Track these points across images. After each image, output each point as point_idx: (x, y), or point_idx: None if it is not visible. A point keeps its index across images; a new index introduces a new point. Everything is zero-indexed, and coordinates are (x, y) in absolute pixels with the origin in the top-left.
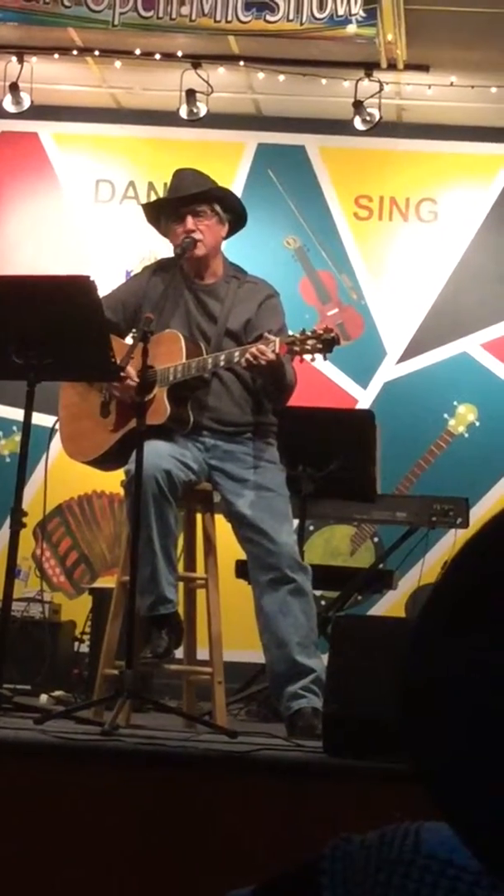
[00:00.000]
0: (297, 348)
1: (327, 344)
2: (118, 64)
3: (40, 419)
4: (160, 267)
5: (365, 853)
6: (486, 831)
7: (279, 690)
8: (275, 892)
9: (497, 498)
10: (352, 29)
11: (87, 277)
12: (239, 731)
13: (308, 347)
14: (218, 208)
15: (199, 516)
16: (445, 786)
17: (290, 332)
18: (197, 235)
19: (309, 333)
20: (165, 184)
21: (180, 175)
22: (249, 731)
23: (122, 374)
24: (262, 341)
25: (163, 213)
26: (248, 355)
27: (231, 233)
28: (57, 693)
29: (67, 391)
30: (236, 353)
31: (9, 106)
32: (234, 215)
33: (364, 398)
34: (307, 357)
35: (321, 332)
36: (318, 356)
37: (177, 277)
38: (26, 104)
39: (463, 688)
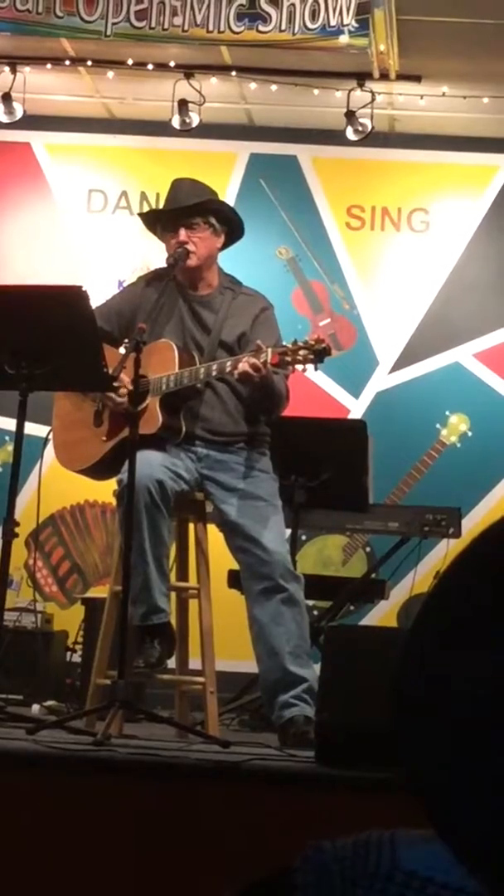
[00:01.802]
0: (288, 359)
1: (318, 354)
2: (111, 74)
3: (33, 429)
4: (155, 277)
5: (339, 865)
6: (479, 844)
7: (271, 699)
8: None
9: (489, 508)
10: (344, 39)
11: (80, 287)
12: (231, 740)
13: (299, 358)
14: (213, 220)
15: (191, 526)
16: (438, 797)
17: (283, 343)
18: (189, 247)
19: (300, 344)
20: (158, 194)
21: (177, 185)
22: (242, 741)
23: (115, 383)
24: (253, 351)
25: (158, 222)
26: (241, 371)
27: (228, 244)
28: (49, 703)
29: (61, 400)
30: (228, 364)
31: (1, 116)
32: (231, 226)
33: (356, 408)
34: (298, 367)
35: (312, 342)
36: (310, 366)
37: (171, 287)
38: (19, 114)
39: (457, 699)
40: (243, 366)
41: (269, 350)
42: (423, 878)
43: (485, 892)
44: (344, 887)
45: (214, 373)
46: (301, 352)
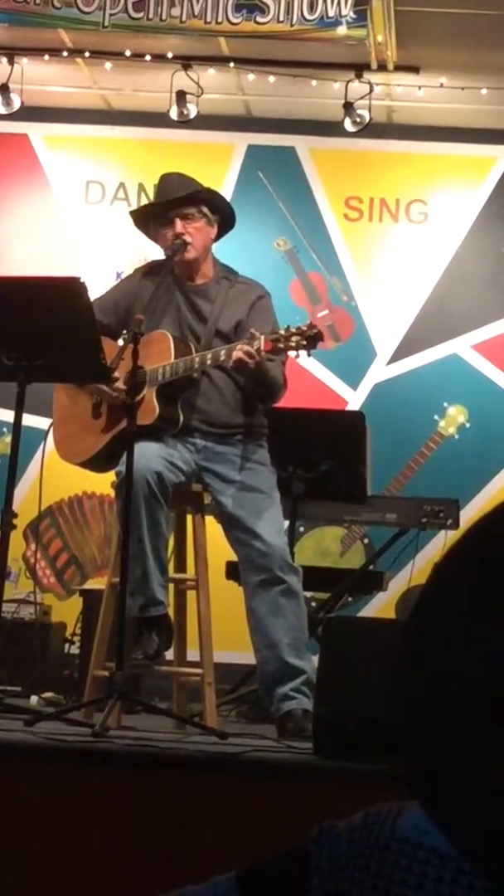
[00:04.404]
0: (281, 345)
1: (311, 340)
2: (108, 65)
3: (31, 420)
4: (151, 269)
5: (348, 837)
6: (476, 835)
7: (270, 691)
8: (262, 875)
9: (488, 499)
10: (342, 30)
11: (78, 279)
12: (229, 732)
13: (292, 344)
14: (206, 210)
15: (189, 518)
16: (433, 789)
17: (275, 329)
18: (187, 238)
19: (293, 330)
20: (156, 185)
21: (166, 179)
22: (240, 733)
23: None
24: (246, 338)
25: (151, 218)
26: (236, 360)
27: (221, 234)
28: (47, 695)
29: (59, 394)
30: (222, 352)
31: None
32: (223, 216)
33: (354, 399)
34: (291, 353)
35: (305, 328)
36: (303, 352)
37: (167, 279)
38: (16, 105)
39: (455, 690)
40: (237, 353)
41: (262, 337)
42: (413, 844)
43: (482, 878)
44: (349, 856)
45: (209, 362)
46: (294, 338)
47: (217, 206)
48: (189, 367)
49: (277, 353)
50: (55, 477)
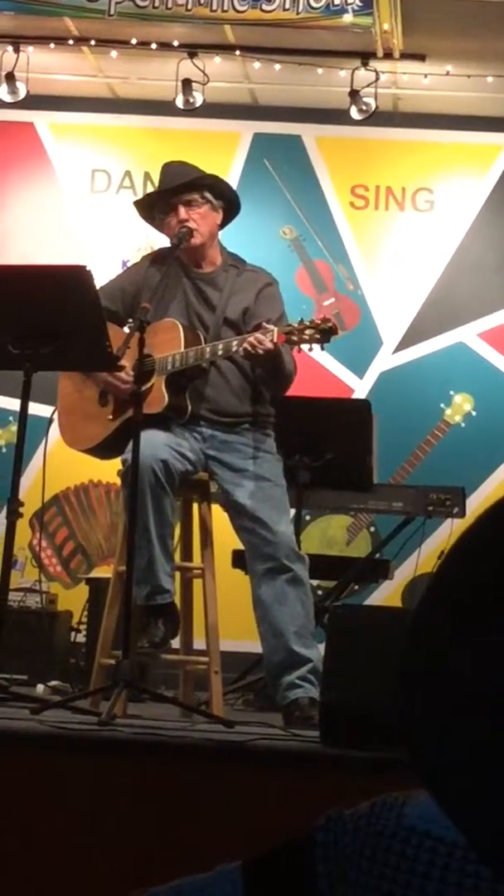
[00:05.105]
0: (294, 338)
1: (325, 334)
2: (114, 53)
3: (37, 409)
4: (158, 256)
5: (354, 825)
6: (485, 824)
7: (276, 680)
8: (268, 863)
9: (494, 487)
10: (348, 18)
11: (84, 267)
12: (236, 720)
13: (306, 337)
14: (209, 196)
15: (195, 506)
16: (443, 778)
17: (289, 322)
18: (192, 225)
19: (307, 323)
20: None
21: (168, 168)
22: (246, 721)
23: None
24: (259, 330)
25: (155, 207)
26: (245, 345)
27: (227, 220)
28: (54, 683)
29: (65, 381)
30: (234, 343)
31: (5, 96)
32: (227, 202)
33: (360, 388)
34: (304, 347)
35: (319, 321)
36: (316, 346)
37: (175, 266)
38: (22, 94)
39: (461, 678)
40: (248, 346)
41: (276, 330)
42: (420, 832)
43: (489, 867)
44: (356, 845)
45: (220, 353)
46: (307, 331)
47: (221, 192)
48: (200, 356)
49: (290, 346)
50: (62, 465)
